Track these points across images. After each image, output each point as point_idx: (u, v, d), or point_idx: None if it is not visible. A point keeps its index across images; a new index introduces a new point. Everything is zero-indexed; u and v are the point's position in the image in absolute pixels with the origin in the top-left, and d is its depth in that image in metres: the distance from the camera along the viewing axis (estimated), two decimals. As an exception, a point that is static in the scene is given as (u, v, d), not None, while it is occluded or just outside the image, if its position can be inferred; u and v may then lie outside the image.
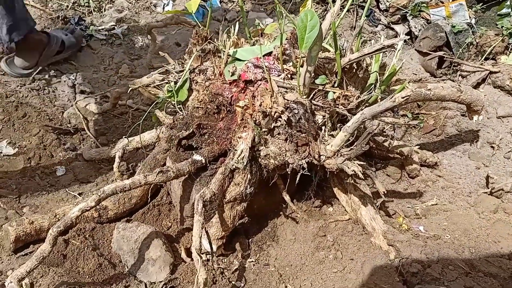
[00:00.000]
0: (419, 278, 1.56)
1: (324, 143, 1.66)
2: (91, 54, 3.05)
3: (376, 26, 3.29)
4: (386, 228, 1.75)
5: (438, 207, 2.02)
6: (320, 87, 1.67)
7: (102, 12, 3.46)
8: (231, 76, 1.76)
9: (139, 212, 1.94)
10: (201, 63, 1.88)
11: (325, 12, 1.78)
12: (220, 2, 3.62)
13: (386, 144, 2.10)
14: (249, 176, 1.71)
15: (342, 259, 1.73)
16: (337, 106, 1.70)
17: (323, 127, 1.70)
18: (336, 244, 1.80)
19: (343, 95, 1.69)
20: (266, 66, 1.67)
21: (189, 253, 1.78)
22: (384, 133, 2.37)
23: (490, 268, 1.60)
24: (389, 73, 1.85)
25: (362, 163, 1.60)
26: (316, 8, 3.38)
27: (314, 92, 1.68)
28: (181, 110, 1.90)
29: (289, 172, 1.69)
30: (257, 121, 1.66)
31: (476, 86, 2.71)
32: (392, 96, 1.61)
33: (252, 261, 1.80)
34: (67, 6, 3.35)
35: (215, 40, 1.89)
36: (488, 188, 2.11)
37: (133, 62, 3.05)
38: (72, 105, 2.57)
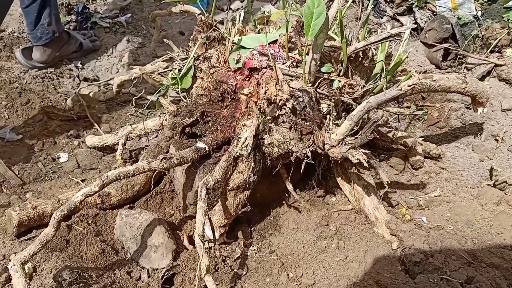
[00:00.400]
0: (422, 268, 1.56)
1: (328, 132, 1.65)
2: (95, 42, 3.04)
3: (382, 18, 3.27)
4: (389, 218, 1.75)
5: (441, 198, 2.02)
6: (326, 76, 1.66)
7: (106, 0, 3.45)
8: (236, 63, 1.75)
9: (142, 199, 1.94)
10: (205, 51, 1.87)
11: (331, 2, 1.76)
12: (225, -9, 3.60)
13: (390, 135, 2.09)
14: (252, 164, 1.70)
15: (345, 248, 1.73)
16: (342, 94, 1.68)
17: (328, 116, 1.69)
18: (338, 233, 1.80)
19: (348, 84, 1.68)
20: (271, 54, 1.66)
21: (191, 240, 1.78)
22: (388, 124, 2.36)
23: (492, 258, 1.60)
24: (395, 63, 1.83)
25: (366, 151, 1.59)
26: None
27: (319, 81, 1.67)
28: (185, 98, 1.89)
29: (292, 161, 1.69)
30: (261, 109, 1.65)
31: (481, 78, 2.70)
32: (398, 85, 1.59)
33: (254, 250, 1.80)
34: (71, -6, 3.33)
35: (220, 27, 1.88)
36: (492, 180, 2.11)
37: (137, 50, 3.04)
38: (75, 92, 2.56)
